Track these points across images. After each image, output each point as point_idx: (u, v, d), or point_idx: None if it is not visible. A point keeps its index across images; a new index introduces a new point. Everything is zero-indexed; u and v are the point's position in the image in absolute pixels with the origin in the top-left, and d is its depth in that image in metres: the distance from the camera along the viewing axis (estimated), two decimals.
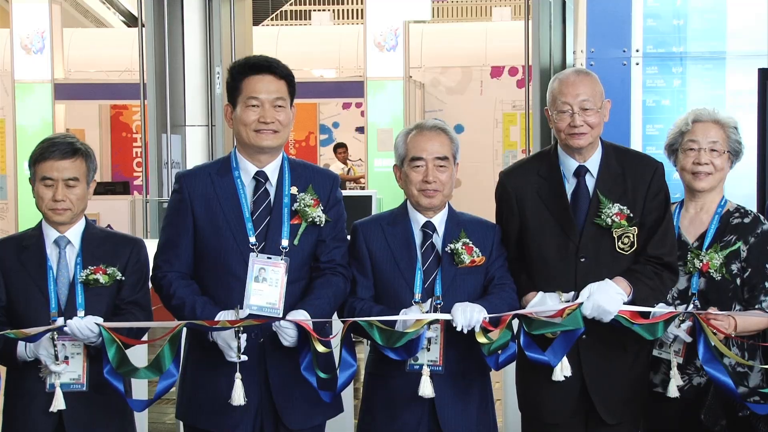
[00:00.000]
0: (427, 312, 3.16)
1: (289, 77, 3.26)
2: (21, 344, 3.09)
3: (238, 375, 3.03)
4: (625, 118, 5.25)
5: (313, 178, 3.29)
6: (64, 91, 13.17)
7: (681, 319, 3.25)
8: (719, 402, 3.29)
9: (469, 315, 3.07)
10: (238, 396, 3.04)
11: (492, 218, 3.47)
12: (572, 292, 3.21)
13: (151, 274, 3.29)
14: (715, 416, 3.30)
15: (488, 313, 3.11)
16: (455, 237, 3.28)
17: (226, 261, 3.17)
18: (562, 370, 3.16)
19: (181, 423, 3.46)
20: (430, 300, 3.21)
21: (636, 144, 5.15)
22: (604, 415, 3.29)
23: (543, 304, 3.22)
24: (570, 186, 3.36)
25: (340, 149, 14.60)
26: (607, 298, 3.15)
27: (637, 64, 5.68)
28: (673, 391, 3.25)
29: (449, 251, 3.26)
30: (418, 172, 3.27)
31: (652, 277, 3.27)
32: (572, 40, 7.69)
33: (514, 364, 3.39)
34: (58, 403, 3.08)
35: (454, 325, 3.07)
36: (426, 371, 3.13)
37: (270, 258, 3.15)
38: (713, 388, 3.28)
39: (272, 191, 3.24)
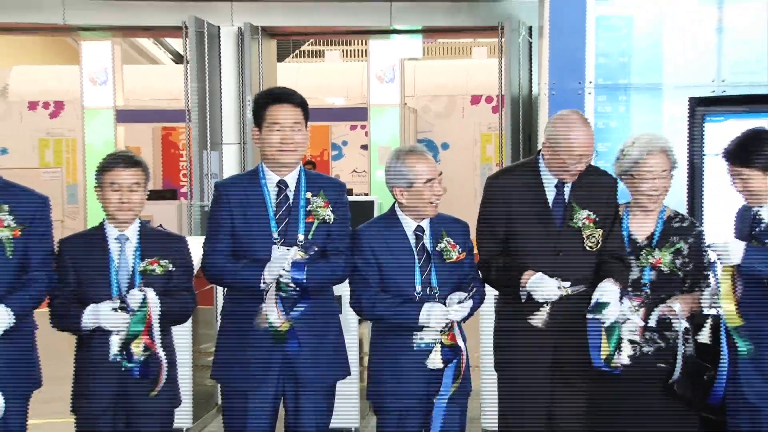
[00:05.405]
0: (420, 297, 3.16)
1: (304, 104, 3.25)
2: (85, 316, 3.10)
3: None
4: None
5: (324, 185, 3.28)
6: (124, 116, 13.19)
7: (637, 307, 3.26)
8: (688, 377, 3.33)
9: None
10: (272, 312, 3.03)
11: (471, 218, 3.43)
12: (569, 282, 3.16)
13: (202, 259, 3.28)
14: (684, 386, 3.33)
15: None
16: (439, 236, 3.27)
17: (254, 250, 3.17)
18: (537, 319, 3.15)
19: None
20: (427, 290, 3.21)
21: None
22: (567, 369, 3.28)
23: (542, 281, 3.17)
24: (551, 194, 3.33)
25: (308, 166, 13.84)
26: (611, 295, 3.14)
27: (590, 93, 5.68)
28: (624, 359, 3.21)
29: (439, 250, 3.25)
30: (432, 189, 3.22)
31: (623, 270, 3.31)
32: (537, 74, 7.68)
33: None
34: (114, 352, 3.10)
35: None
36: (437, 347, 3.13)
37: (289, 249, 3.13)
38: (682, 366, 3.30)
39: (291, 196, 3.23)
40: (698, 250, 3.46)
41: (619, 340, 3.17)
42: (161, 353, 3.13)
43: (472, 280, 3.30)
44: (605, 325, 3.11)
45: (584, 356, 3.18)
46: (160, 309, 3.13)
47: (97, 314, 3.10)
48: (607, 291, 3.13)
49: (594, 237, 3.28)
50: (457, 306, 3.12)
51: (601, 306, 3.10)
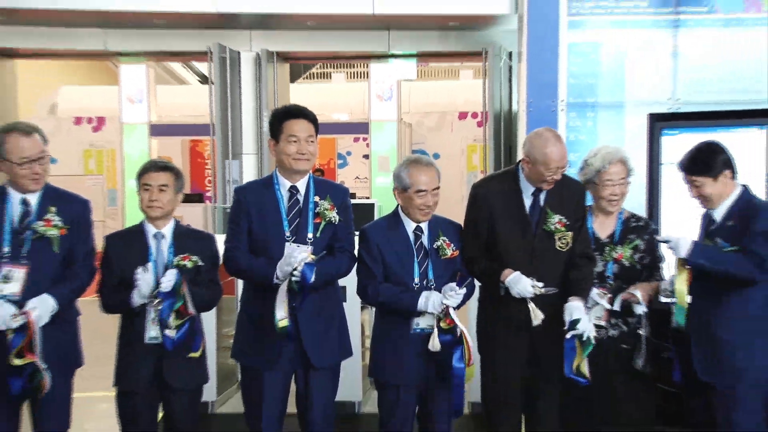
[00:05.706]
0: (418, 288, 3.17)
1: (316, 120, 3.25)
2: (134, 295, 3.11)
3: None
4: None
5: (330, 190, 3.29)
6: (157, 130, 13.17)
7: (605, 293, 3.30)
8: (651, 353, 3.35)
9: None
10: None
11: (458, 220, 3.43)
12: (542, 283, 3.16)
13: (223, 254, 3.28)
14: (648, 363, 3.36)
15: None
16: (435, 235, 3.27)
17: (269, 247, 3.17)
18: (535, 318, 3.15)
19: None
20: (424, 282, 3.22)
21: None
22: (545, 368, 3.26)
23: (519, 280, 3.18)
24: (528, 201, 3.32)
25: (317, 173, 13.77)
26: (579, 311, 3.13)
27: (563, 110, 5.70)
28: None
29: (436, 248, 3.25)
30: (422, 199, 3.23)
31: (587, 275, 3.29)
32: (516, 93, 7.69)
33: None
34: (152, 334, 3.12)
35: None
36: (435, 331, 3.14)
37: (299, 246, 3.15)
38: (645, 344, 3.33)
39: (301, 199, 3.24)
40: (653, 245, 3.49)
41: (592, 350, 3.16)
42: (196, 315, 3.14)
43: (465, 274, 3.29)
44: (583, 338, 3.10)
45: (559, 352, 3.18)
46: (192, 297, 3.14)
47: (136, 284, 3.10)
48: (575, 309, 3.12)
49: (564, 239, 3.28)
50: (452, 292, 3.12)
51: (574, 322, 3.10)
